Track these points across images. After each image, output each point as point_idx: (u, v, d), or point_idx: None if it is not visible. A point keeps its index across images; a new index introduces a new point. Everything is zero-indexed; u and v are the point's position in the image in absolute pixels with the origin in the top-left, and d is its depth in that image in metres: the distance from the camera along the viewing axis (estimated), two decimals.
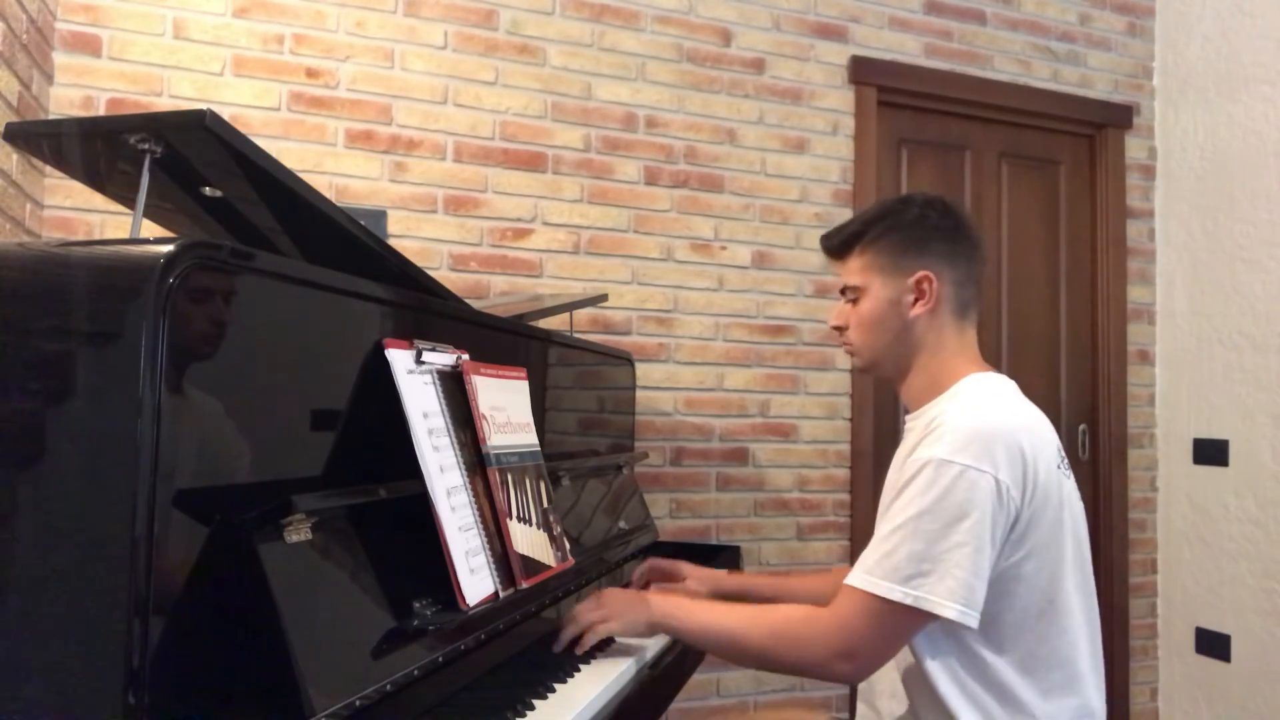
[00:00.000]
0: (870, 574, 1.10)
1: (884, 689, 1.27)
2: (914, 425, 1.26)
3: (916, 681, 1.19)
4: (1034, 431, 1.15)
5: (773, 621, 1.18)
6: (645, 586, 1.56)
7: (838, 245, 1.33)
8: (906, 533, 1.09)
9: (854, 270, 1.29)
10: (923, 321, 1.25)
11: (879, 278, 1.26)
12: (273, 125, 2.13)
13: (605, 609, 1.27)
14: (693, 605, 1.28)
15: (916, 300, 1.24)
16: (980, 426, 1.11)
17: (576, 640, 1.25)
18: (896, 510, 1.12)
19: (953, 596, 1.06)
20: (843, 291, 1.32)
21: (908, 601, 1.07)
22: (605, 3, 2.45)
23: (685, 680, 1.54)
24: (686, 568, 1.58)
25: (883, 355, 1.28)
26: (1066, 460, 1.22)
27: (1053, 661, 1.14)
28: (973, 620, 1.07)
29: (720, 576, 1.60)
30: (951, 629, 1.12)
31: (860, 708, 1.34)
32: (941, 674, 1.14)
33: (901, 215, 1.27)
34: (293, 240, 1.26)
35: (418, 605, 0.99)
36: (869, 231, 1.28)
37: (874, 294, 1.26)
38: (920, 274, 1.23)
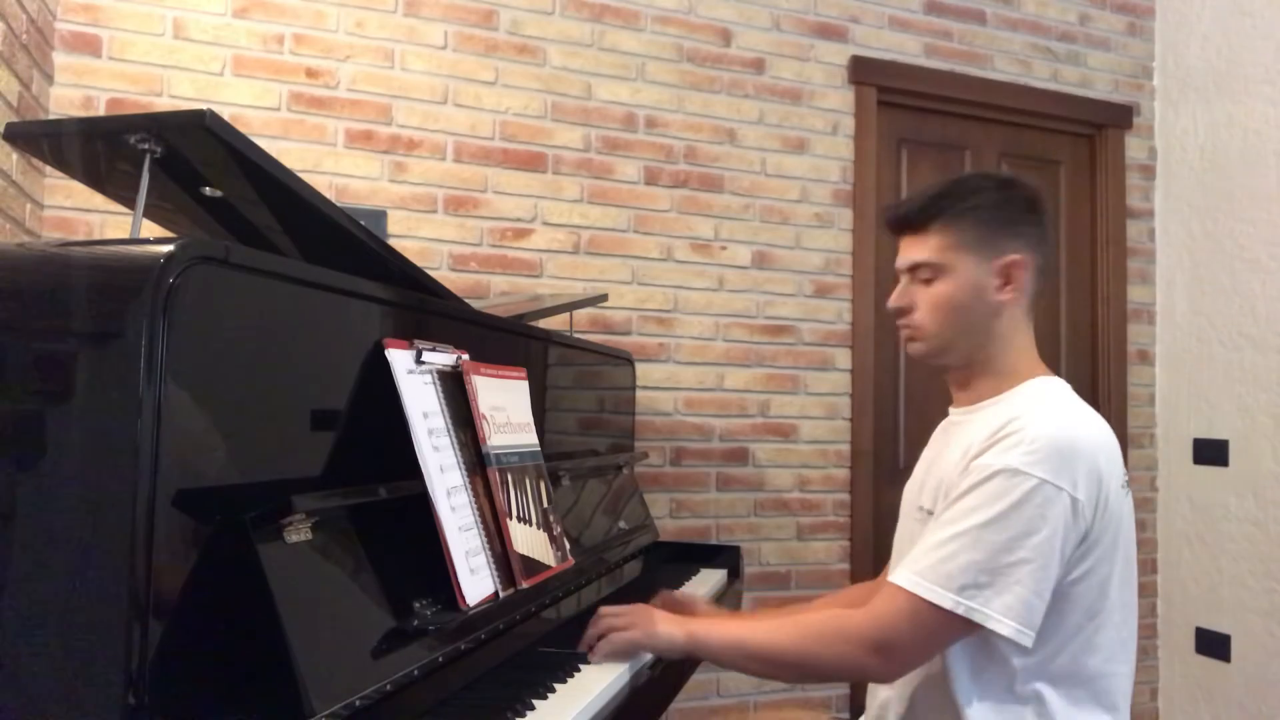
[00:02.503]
0: (922, 577, 1.05)
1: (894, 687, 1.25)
2: (968, 419, 1.19)
3: (936, 681, 1.16)
4: (1109, 451, 1.11)
5: (804, 626, 1.14)
6: None
7: (917, 214, 1.20)
8: (968, 541, 1.04)
9: (933, 246, 1.18)
10: (1003, 309, 1.16)
11: (965, 257, 1.16)
12: (273, 125, 2.13)
13: (631, 618, 1.23)
14: (718, 623, 1.23)
15: (1003, 285, 1.16)
16: (1062, 440, 1.05)
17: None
18: (957, 515, 1.06)
19: (1009, 613, 1.02)
20: (913, 270, 1.21)
21: (959, 611, 1.03)
22: (605, 3, 2.45)
23: (685, 680, 1.54)
24: (701, 604, 1.51)
25: (953, 342, 1.19)
26: (1128, 480, 1.17)
27: (1083, 676, 1.10)
28: (1028, 640, 1.03)
29: (734, 616, 1.56)
30: (989, 640, 1.08)
31: (870, 707, 1.33)
32: (965, 681, 1.11)
33: (989, 193, 1.18)
34: (293, 240, 1.26)
35: (418, 605, 0.99)
36: (953, 205, 1.17)
37: (959, 274, 1.16)
38: (1012, 258, 1.15)
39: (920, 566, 1.07)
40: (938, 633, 1.07)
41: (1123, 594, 1.13)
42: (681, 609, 1.48)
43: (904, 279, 1.23)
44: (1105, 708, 1.12)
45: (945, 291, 1.17)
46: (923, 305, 1.20)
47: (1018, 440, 1.06)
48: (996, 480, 1.05)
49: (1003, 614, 1.02)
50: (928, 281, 1.19)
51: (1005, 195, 1.19)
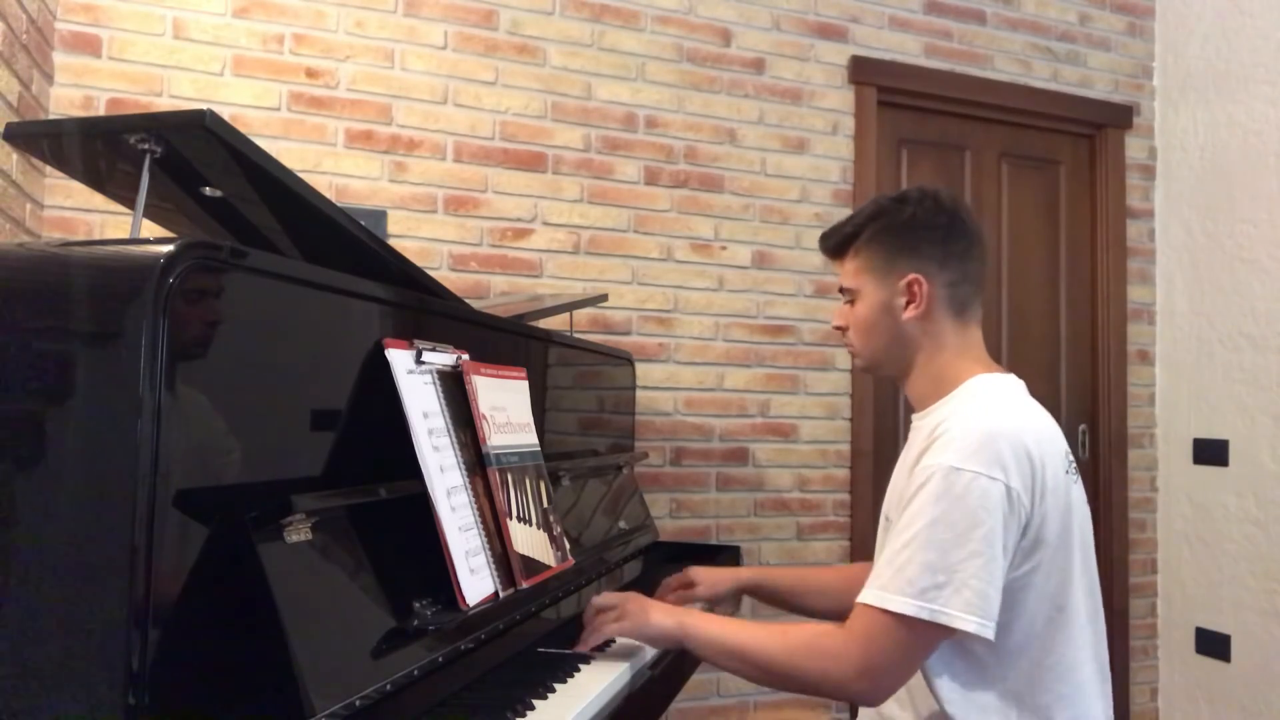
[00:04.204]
0: (885, 590, 1.07)
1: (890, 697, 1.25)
2: (920, 425, 1.24)
3: (921, 691, 1.17)
4: (1041, 435, 1.13)
5: (791, 638, 1.14)
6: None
7: (833, 246, 1.32)
8: (919, 544, 1.06)
9: (849, 272, 1.29)
10: (916, 324, 1.23)
11: (871, 281, 1.25)
12: (273, 125, 2.13)
13: (621, 609, 1.24)
14: (712, 619, 1.23)
15: (908, 303, 1.22)
16: (986, 431, 1.09)
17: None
18: (906, 522, 1.09)
19: (969, 609, 1.03)
20: (841, 291, 1.32)
21: (924, 616, 1.04)
22: (605, 3, 2.45)
23: (685, 680, 1.54)
24: (695, 572, 1.53)
25: (882, 357, 1.27)
26: (1075, 465, 1.19)
27: (1059, 670, 1.11)
28: (989, 632, 1.04)
29: (733, 574, 1.57)
30: (958, 639, 1.09)
31: (863, 713, 1.33)
32: (947, 684, 1.12)
33: (894, 216, 1.25)
34: (293, 240, 1.26)
35: (418, 605, 0.99)
36: (862, 233, 1.27)
37: (867, 297, 1.26)
38: (910, 277, 1.22)
39: (883, 579, 1.08)
40: (911, 644, 1.07)
41: (1083, 581, 1.14)
42: (681, 584, 1.51)
43: (842, 301, 1.33)
44: (1085, 697, 1.13)
45: (861, 313, 1.27)
46: (851, 325, 1.29)
47: (948, 440, 1.09)
48: (934, 480, 1.07)
49: (963, 610, 1.04)
50: (851, 303, 1.29)
51: (908, 216, 1.24)
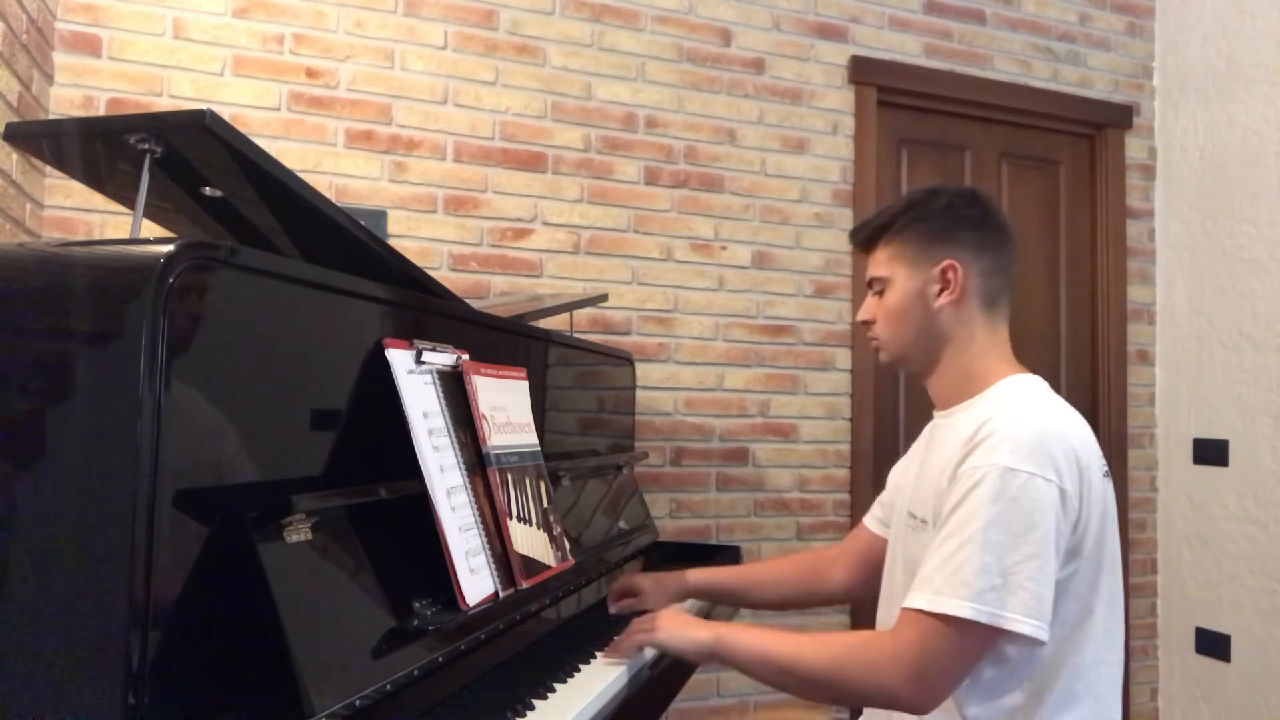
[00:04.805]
0: (939, 594, 1.04)
1: None
2: (946, 423, 1.22)
3: None
4: (1084, 438, 1.13)
5: (836, 647, 1.12)
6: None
7: (865, 238, 1.30)
8: (974, 547, 1.03)
9: (880, 261, 1.27)
10: (949, 313, 1.22)
11: (904, 268, 1.24)
12: (273, 125, 2.13)
13: (655, 620, 1.23)
14: (750, 630, 1.21)
15: (942, 290, 1.21)
16: (1039, 433, 1.07)
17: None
18: (958, 525, 1.06)
19: (1027, 611, 1.02)
20: (869, 284, 1.30)
21: (981, 619, 1.01)
22: (605, 3, 2.45)
23: (685, 681, 1.54)
24: (639, 580, 1.52)
25: (910, 348, 1.25)
26: (1108, 468, 1.19)
27: (1081, 669, 1.11)
28: (1044, 634, 1.03)
29: (680, 581, 1.54)
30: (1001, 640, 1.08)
31: (868, 713, 1.32)
32: (968, 681, 1.10)
33: (929, 205, 1.25)
34: (293, 240, 1.26)
35: (418, 605, 1.00)
36: (896, 222, 1.26)
37: (899, 284, 1.24)
38: (945, 263, 1.21)
39: (936, 584, 1.05)
40: (966, 648, 1.05)
41: (1110, 583, 1.14)
42: (629, 590, 1.51)
43: (869, 294, 1.31)
44: (1097, 697, 1.12)
45: (892, 301, 1.25)
46: (880, 317, 1.28)
47: (999, 440, 1.07)
48: (988, 481, 1.05)
49: (1020, 613, 1.02)
50: (881, 294, 1.28)
51: (944, 205, 1.24)
